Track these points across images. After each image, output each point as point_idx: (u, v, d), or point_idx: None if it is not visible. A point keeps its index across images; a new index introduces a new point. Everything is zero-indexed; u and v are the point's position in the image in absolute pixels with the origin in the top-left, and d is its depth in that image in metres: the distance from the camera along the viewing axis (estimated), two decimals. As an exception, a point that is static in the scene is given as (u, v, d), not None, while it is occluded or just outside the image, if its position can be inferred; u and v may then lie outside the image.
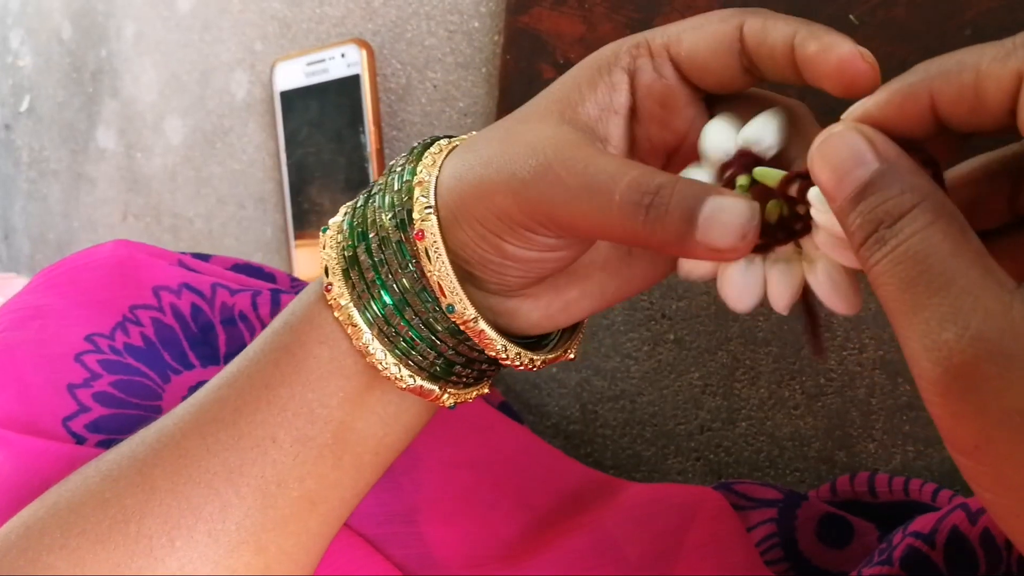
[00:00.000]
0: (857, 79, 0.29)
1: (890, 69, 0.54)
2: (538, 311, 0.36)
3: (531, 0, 0.64)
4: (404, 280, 0.34)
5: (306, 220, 0.80)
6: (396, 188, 0.35)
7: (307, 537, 0.37)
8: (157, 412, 0.45)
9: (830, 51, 0.29)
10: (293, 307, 0.37)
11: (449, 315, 0.34)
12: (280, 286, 0.54)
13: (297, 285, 0.56)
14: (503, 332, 0.35)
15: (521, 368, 0.36)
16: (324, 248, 0.36)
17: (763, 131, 0.31)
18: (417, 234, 0.33)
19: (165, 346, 0.48)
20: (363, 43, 0.74)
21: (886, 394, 0.60)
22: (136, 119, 0.93)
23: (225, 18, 0.85)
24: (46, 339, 0.46)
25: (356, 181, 0.75)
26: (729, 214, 0.28)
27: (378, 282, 0.34)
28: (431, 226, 0.33)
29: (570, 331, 0.39)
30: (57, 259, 0.98)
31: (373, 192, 0.36)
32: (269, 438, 0.35)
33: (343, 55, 0.74)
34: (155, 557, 0.34)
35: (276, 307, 0.50)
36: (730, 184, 0.31)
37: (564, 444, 0.72)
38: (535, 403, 0.73)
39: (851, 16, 0.56)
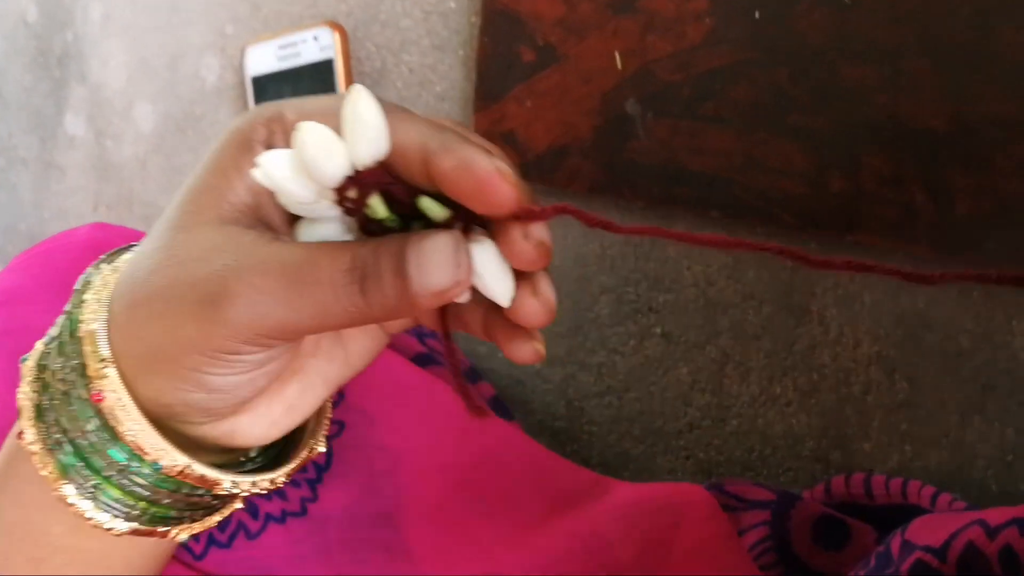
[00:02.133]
0: (498, 200, 0.27)
1: (887, 52, 0.51)
2: (259, 424, 0.32)
3: (509, -21, 0.61)
4: (92, 438, 0.30)
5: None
6: (63, 337, 0.31)
7: None
8: None
9: (467, 169, 0.27)
10: (12, 432, 0.34)
11: (157, 472, 0.31)
12: None
13: None
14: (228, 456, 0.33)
15: (266, 493, 0.34)
16: (21, 384, 0.32)
17: (374, 144, 0.28)
18: (95, 395, 0.30)
19: None
20: (336, 25, 0.71)
21: (883, 391, 0.57)
22: (105, 105, 0.89)
23: (195, 0, 0.81)
24: (12, 328, 0.44)
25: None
26: (433, 252, 0.27)
27: (64, 439, 0.31)
28: (111, 383, 0.30)
29: (313, 422, 0.36)
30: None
31: (53, 335, 0.32)
32: (3, 555, 0.34)
33: (316, 38, 0.71)
34: None
35: None
36: (360, 209, 0.28)
37: (550, 441, 0.69)
38: (520, 399, 0.70)
39: (845, -6, 0.53)
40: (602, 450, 0.68)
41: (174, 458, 0.30)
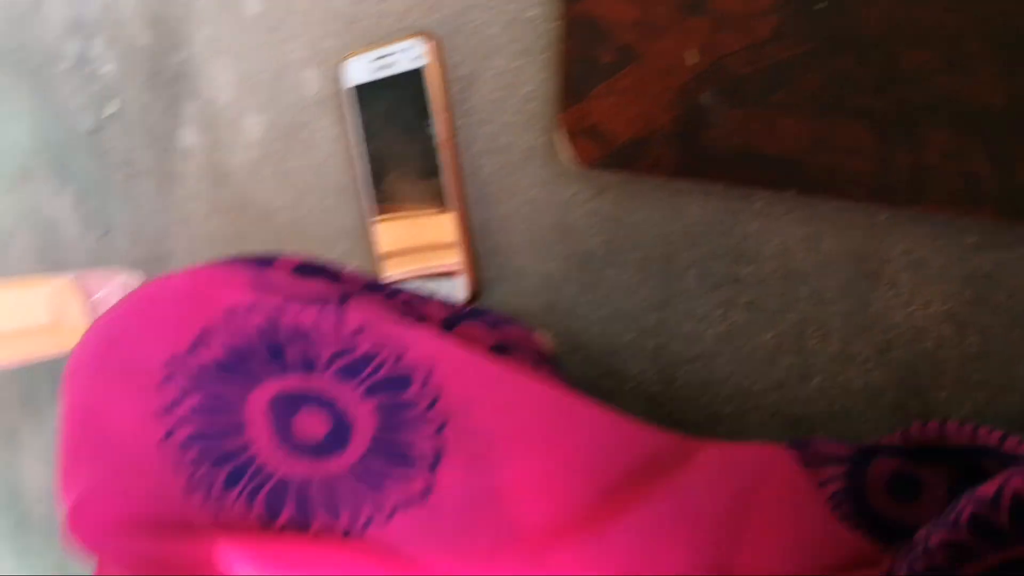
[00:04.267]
0: None
1: (946, 36, 0.55)
2: None
3: (586, -13, 0.67)
4: None
5: (385, 208, 0.84)
6: None
7: None
8: (239, 428, 0.49)
9: None
10: None
11: None
12: (345, 285, 0.58)
13: (369, 283, 0.59)
14: None
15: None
16: None
17: None
18: None
19: (240, 364, 0.51)
20: (428, 35, 0.77)
21: (954, 346, 0.62)
22: (216, 118, 0.97)
23: (293, 18, 0.88)
24: (131, 373, 0.50)
25: (429, 169, 0.79)
26: None
27: None
28: None
29: None
30: (153, 254, 1.04)
31: None
32: None
33: (409, 48, 0.78)
34: None
35: (340, 321, 0.53)
36: None
37: (647, 405, 0.76)
38: (615, 368, 0.77)
39: (901, -15, 0.57)
40: (695, 411, 0.74)
41: None
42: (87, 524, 0.49)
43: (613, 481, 0.54)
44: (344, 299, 0.55)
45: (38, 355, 1.11)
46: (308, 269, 0.58)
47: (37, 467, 1.52)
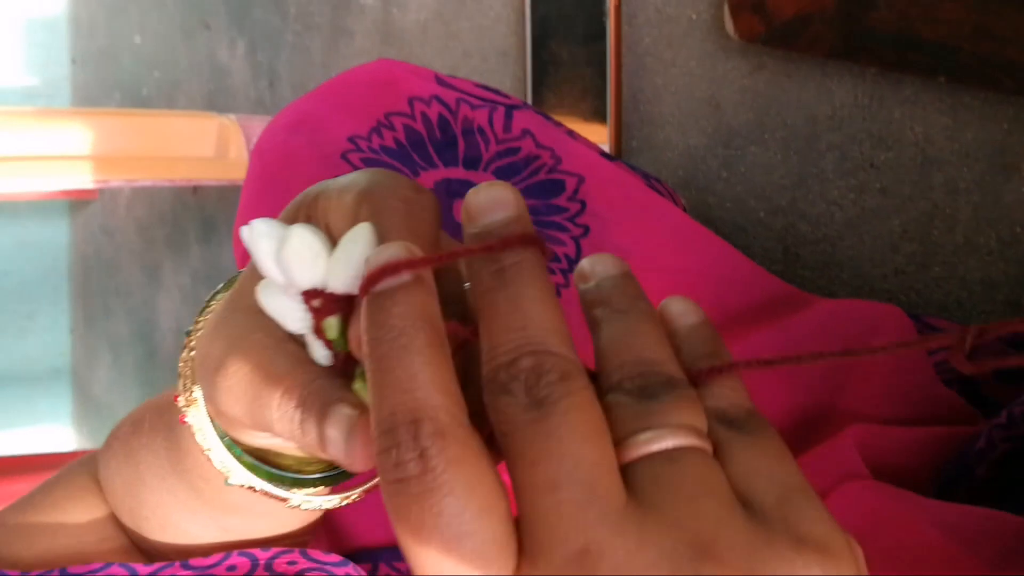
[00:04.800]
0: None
1: (961, 36, 0.57)
2: None
3: None
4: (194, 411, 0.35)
5: (544, 71, 0.89)
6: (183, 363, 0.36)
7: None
8: None
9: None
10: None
11: (230, 486, 0.34)
12: (514, 100, 0.63)
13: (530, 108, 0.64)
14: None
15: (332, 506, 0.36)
16: (183, 351, 0.36)
17: (349, 281, 0.28)
18: (181, 417, 0.34)
19: (414, 148, 0.56)
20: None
21: (1080, 242, 0.64)
22: (395, -23, 1.04)
23: None
24: (318, 140, 0.55)
25: (593, 34, 0.84)
26: (338, 428, 0.27)
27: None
28: (195, 410, 0.34)
29: None
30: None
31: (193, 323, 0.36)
32: (168, 482, 0.39)
33: (592, -83, 0.82)
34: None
35: (509, 121, 0.57)
36: (318, 321, 0.29)
37: (764, 282, 0.80)
38: (741, 244, 0.81)
39: None
40: (812, 292, 0.78)
41: (239, 478, 0.34)
42: None
43: (729, 313, 0.58)
44: (513, 107, 0.60)
45: (199, 180, 1.21)
46: (481, 86, 0.64)
47: (173, 305, 1.64)
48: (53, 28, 2.14)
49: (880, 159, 0.73)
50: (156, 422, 0.40)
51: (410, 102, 0.58)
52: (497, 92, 0.63)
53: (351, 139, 0.56)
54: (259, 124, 1.20)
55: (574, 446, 0.23)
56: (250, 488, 0.34)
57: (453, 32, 0.99)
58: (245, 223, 0.30)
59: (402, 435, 0.23)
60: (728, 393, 0.28)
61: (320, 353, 0.29)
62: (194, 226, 1.51)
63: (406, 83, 0.58)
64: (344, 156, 0.55)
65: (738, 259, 0.61)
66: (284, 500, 0.34)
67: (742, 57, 0.78)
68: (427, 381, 0.24)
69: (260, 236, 0.28)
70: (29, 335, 2.25)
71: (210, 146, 1.16)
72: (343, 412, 0.28)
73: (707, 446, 0.25)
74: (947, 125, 0.69)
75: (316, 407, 0.28)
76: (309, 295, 0.28)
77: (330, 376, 0.29)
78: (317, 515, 0.40)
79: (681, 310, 0.30)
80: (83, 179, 1.14)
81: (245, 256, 0.56)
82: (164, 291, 1.66)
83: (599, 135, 0.86)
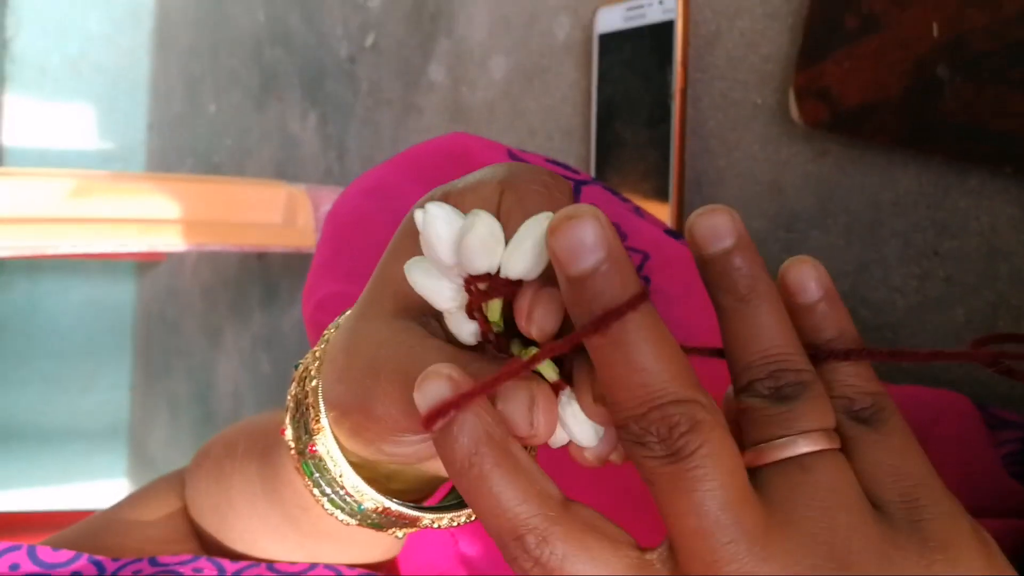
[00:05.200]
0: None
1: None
2: None
3: (842, -43, 0.72)
4: (314, 466, 0.35)
5: (608, 151, 0.91)
6: (309, 369, 0.35)
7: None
8: None
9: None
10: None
11: (360, 512, 0.35)
12: (582, 177, 0.64)
13: (599, 184, 0.65)
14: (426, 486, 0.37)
15: (457, 525, 0.36)
16: (292, 384, 0.36)
17: (528, 270, 0.28)
18: (311, 446, 0.34)
19: None
20: (680, -7, 0.84)
21: None
22: (465, 56, 1.07)
23: (555, -31, 0.97)
24: (392, 207, 0.56)
25: (657, 116, 0.85)
26: (513, 409, 0.27)
27: (305, 453, 0.35)
28: (323, 437, 0.34)
29: None
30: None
31: (311, 358, 0.36)
32: (263, 511, 0.41)
33: (661, 2, 0.84)
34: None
35: (577, 196, 0.58)
36: (478, 303, 0.29)
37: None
38: (801, 328, 0.80)
39: None
40: (873, 379, 0.77)
41: (375, 500, 0.35)
42: (329, 317, 0.57)
43: None
44: (582, 182, 0.61)
45: (266, 247, 1.24)
46: (552, 162, 0.65)
47: (232, 368, 1.67)
48: (132, 95, 2.22)
49: (944, 247, 0.72)
50: (251, 448, 0.41)
51: None
52: (566, 167, 0.65)
53: None
54: (327, 194, 1.23)
55: (716, 493, 0.24)
56: (384, 510, 0.35)
57: (520, 111, 1.01)
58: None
59: (515, 551, 0.25)
60: (854, 380, 0.29)
61: (467, 329, 0.30)
62: (257, 291, 1.54)
63: (479, 155, 0.60)
64: None
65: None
66: (416, 520, 0.36)
67: (806, 142, 0.78)
68: (511, 499, 0.25)
69: (436, 219, 0.28)
70: (91, 391, 2.29)
71: (278, 214, 1.19)
72: (512, 387, 0.27)
73: (837, 444, 0.27)
74: (1014, 216, 0.69)
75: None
76: (475, 278, 0.29)
77: (480, 359, 0.30)
78: (400, 545, 0.42)
79: (801, 285, 0.30)
80: (154, 242, 1.18)
81: (312, 318, 0.57)
82: (224, 354, 1.69)
83: (661, 215, 0.86)
